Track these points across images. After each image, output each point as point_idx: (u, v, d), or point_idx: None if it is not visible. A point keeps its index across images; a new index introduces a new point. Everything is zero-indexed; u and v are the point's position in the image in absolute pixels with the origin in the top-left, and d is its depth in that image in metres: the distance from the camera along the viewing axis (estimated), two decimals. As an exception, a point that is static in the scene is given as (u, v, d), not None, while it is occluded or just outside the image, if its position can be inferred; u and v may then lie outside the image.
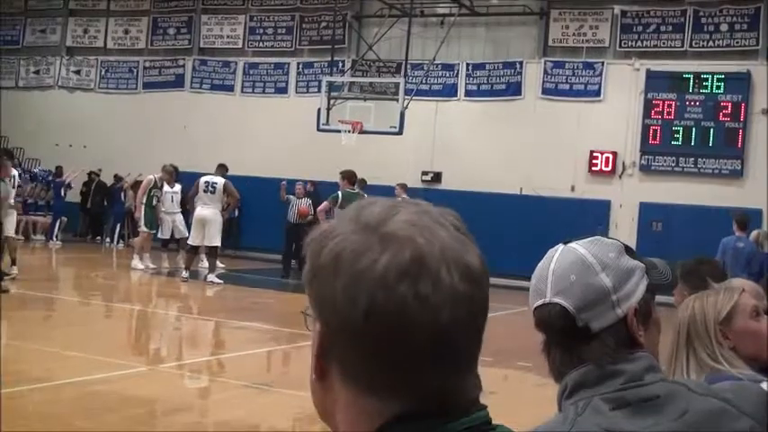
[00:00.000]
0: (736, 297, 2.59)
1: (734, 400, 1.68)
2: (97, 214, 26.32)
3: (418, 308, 1.01)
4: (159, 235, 19.83)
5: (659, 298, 1.86)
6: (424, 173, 23.21)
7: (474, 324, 1.07)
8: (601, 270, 1.71)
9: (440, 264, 1.03)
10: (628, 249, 1.80)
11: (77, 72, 28.33)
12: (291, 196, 20.68)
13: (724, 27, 20.99)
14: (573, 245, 1.78)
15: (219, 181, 18.13)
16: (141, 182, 20.51)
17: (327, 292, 1.05)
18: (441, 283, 1.02)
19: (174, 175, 19.55)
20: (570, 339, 1.72)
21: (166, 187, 19.35)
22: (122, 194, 24.42)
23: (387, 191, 19.69)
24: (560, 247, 1.79)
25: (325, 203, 15.60)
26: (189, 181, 22.33)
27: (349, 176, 15.48)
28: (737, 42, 20.86)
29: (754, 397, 1.74)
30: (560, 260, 1.75)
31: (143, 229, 19.24)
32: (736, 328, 2.53)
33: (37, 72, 28.94)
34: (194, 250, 18.26)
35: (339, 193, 15.27)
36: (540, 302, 1.75)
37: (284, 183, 20.75)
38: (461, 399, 1.07)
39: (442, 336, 1.03)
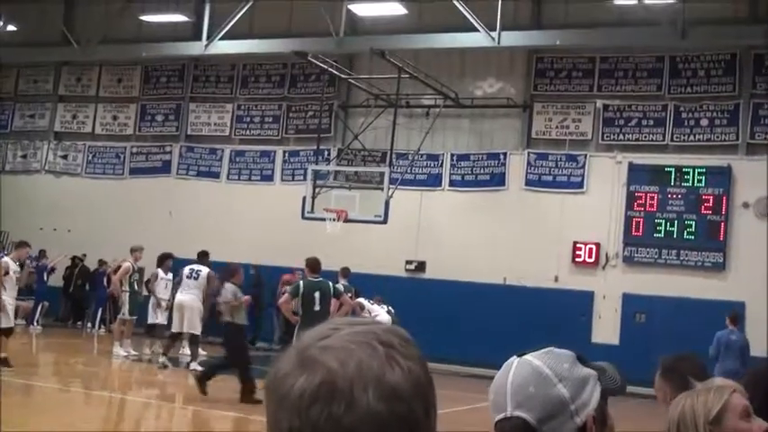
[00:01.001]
0: (726, 396, 2.56)
1: None
2: (79, 299, 26.14)
3: (331, 430, 1.03)
4: (150, 320, 19.64)
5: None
6: (408, 262, 23.24)
7: None
8: (558, 381, 1.73)
9: (354, 385, 1.04)
10: (579, 357, 1.82)
11: (64, 156, 28.46)
12: None
13: (704, 122, 21.36)
14: (527, 357, 1.79)
15: (204, 269, 18.13)
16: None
17: (268, 416, 1.09)
18: (355, 404, 1.03)
19: (169, 261, 19.45)
20: None
21: (161, 273, 19.26)
22: (105, 279, 24.30)
23: (371, 280, 19.70)
24: (515, 359, 1.81)
25: (285, 296, 14.92)
26: (173, 265, 22.29)
27: (312, 265, 14.83)
28: (718, 137, 21.22)
29: None
30: (517, 373, 1.76)
31: (125, 316, 19.07)
32: (725, 429, 2.50)
33: (24, 156, 29.06)
34: (174, 337, 18.10)
35: (300, 282, 14.78)
36: (500, 416, 1.75)
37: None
38: None
39: None
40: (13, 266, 15.34)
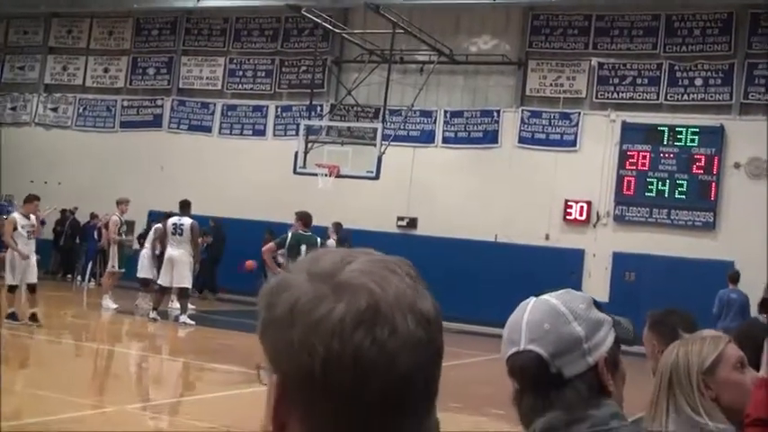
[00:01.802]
0: (721, 346, 2.55)
1: None
2: (69, 252, 26.11)
3: (375, 355, 1.02)
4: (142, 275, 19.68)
5: (631, 348, 1.89)
6: (400, 218, 23.24)
7: (431, 369, 1.07)
8: (573, 319, 1.77)
9: (395, 310, 1.04)
10: (596, 303, 1.86)
11: (55, 109, 28.27)
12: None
13: (698, 81, 21.29)
14: (545, 297, 1.84)
15: (186, 222, 18.01)
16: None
17: (284, 344, 1.05)
18: (397, 330, 1.03)
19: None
20: (543, 386, 1.76)
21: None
22: (96, 233, 24.26)
23: (362, 235, 19.70)
24: (532, 299, 1.85)
25: (270, 244, 15.46)
26: (155, 217, 22.28)
27: (304, 218, 15.07)
28: (711, 97, 21.16)
29: None
30: (533, 310, 1.80)
31: (114, 268, 19.09)
32: (718, 379, 2.49)
33: (14, 108, 28.85)
34: (164, 291, 18.12)
35: (289, 234, 14.93)
36: (513, 350, 1.80)
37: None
38: None
39: (401, 382, 1.03)
40: (22, 221, 15.19)
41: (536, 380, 1.76)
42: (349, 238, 18.86)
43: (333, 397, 1.03)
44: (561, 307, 1.79)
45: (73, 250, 26.03)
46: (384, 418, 1.03)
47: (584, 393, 1.74)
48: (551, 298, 1.82)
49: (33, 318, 14.80)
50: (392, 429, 1.04)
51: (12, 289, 15.11)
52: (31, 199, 15.90)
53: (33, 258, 15.44)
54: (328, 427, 1.05)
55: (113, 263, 19.11)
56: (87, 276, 24.77)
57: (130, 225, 21.74)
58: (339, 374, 1.02)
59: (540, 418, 1.75)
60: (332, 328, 1.02)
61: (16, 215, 15.73)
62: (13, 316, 14.75)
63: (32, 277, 15.30)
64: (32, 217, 15.61)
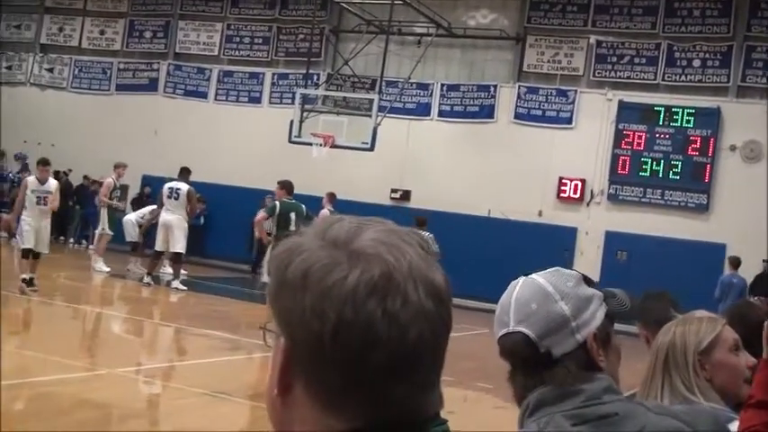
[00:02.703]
0: (718, 328, 2.57)
1: (690, 421, 1.72)
2: (62, 214, 26.03)
3: (386, 324, 1.02)
4: (128, 239, 19.71)
5: (622, 327, 1.91)
6: (394, 190, 23.25)
7: (438, 341, 1.07)
8: (560, 298, 1.79)
9: (408, 281, 1.04)
10: (587, 279, 1.88)
11: (50, 70, 28.12)
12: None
13: (696, 63, 21.26)
14: (533, 276, 1.86)
15: (183, 187, 17.98)
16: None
17: (294, 308, 1.05)
18: (409, 301, 1.03)
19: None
20: (533, 365, 1.78)
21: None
22: (96, 197, 24.13)
23: (355, 207, 19.69)
24: (521, 278, 1.86)
25: (261, 213, 15.99)
26: (155, 184, 22.27)
27: (287, 186, 15.25)
28: (709, 78, 21.14)
29: (708, 420, 1.78)
30: (521, 291, 1.83)
31: (107, 231, 19.06)
32: (714, 360, 2.51)
33: (9, 67, 28.69)
34: (158, 255, 18.14)
35: (276, 203, 15.10)
36: (503, 332, 1.82)
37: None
38: (423, 415, 1.07)
39: (409, 352, 1.04)
40: (34, 185, 14.77)
41: (526, 360, 1.78)
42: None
43: (340, 364, 1.03)
44: (548, 286, 1.80)
45: (66, 213, 25.97)
46: (389, 388, 1.04)
47: (574, 371, 1.76)
48: (539, 277, 1.83)
49: (30, 282, 14.45)
50: (398, 399, 1.05)
51: (25, 254, 14.62)
52: (41, 163, 15.38)
53: (45, 225, 14.94)
54: (333, 394, 1.05)
55: (104, 225, 19.08)
56: (77, 238, 24.78)
57: (124, 189, 21.71)
58: (348, 342, 1.02)
59: (532, 394, 1.77)
60: (345, 296, 1.03)
61: (30, 179, 15.37)
62: (31, 281, 14.38)
63: (42, 247, 14.90)
64: (51, 183, 15.10)
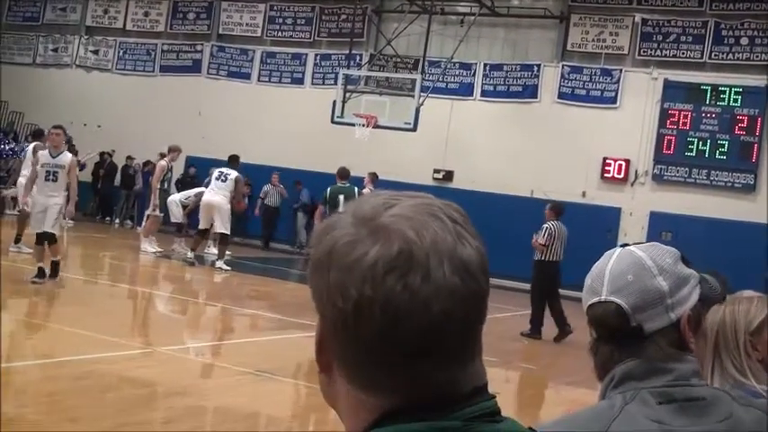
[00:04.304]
0: None
1: None
2: (108, 195, 26.37)
3: (407, 300, 1.01)
4: (173, 219, 19.92)
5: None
6: (436, 171, 23.20)
7: (468, 317, 1.05)
8: (658, 273, 1.75)
9: (430, 257, 1.03)
10: (684, 258, 1.84)
11: (95, 52, 28.39)
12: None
13: (744, 40, 20.91)
14: (631, 248, 1.81)
15: (232, 173, 18.24)
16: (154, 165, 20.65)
17: (322, 285, 1.06)
18: (431, 276, 1.02)
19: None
20: (622, 338, 1.75)
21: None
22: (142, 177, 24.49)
23: (398, 187, 19.43)
24: (618, 249, 1.83)
25: (320, 207, 16.57)
26: (199, 165, 22.44)
27: (340, 172, 16.62)
28: (757, 56, 20.78)
29: None
30: (618, 261, 1.78)
31: (157, 213, 19.28)
32: (766, 340, 2.44)
33: (55, 50, 29.00)
34: (202, 234, 18.31)
35: (328, 189, 15.97)
36: (594, 300, 1.78)
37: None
38: (459, 390, 1.06)
39: (433, 328, 1.02)
40: (45, 158, 12.88)
41: (615, 331, 1.75)
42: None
43: (364, 341, 1.03)
44: (647, 260, 1.76)
45: (111, 193, 26.28)
46: (416, 365, 1.03)
47: (666, 349, 1.73)
48: (638, 250, 1.79)
49: (53, 269, 12.61)
50: (426, 375, 1.04)
51: (38, 239, 12.77)
52: (53, 130, 13.22)
53: (54, 204, 12.73)
54: (363, 371, 1.05)
55: (155, 207, 19.26)
56: (122, 219, 25.13)
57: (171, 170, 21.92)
58: (370, 319, 1.02)
59: (619, 366, 1.74)
60: (364, 272, 1.02)
61: (43, 152, 13.17)
62: (40, 273, 12.52)
63: (46, 224, 12.62)
64: (65, 156, 13.00)
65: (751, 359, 2.41)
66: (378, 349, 1.03)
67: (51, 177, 12.78)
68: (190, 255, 17.84)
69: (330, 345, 1.08)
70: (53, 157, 12.83)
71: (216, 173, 18.34)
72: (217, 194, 17.93)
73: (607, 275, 1.76)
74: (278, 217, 24.23)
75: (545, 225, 14.23)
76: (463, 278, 1.04)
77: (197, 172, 23.39)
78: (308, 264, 1.10)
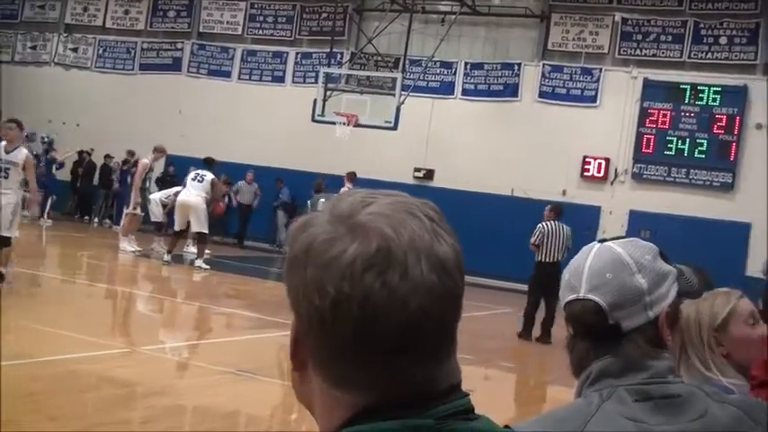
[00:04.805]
0: (732, 302, 2.50)
1: (747, 410, 1.71)
2: (86, 194, 26.23)
3: (385, 298, 1.01)
4: (153, 218, 19.81)
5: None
6: (417, 169, 23.21)
7: (445, 314, 1.06)
8: (637, 271, 1.74)
9: (408, 254, 1.03)
10: (662, 254, 1.83)
11: (74, 50, 28.23)
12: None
13: (723, 40, 21.03)
14: (609, 243, 1.79)
15: (208, 174, 18.22)
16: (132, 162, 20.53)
17: (299, 283, 1.06)
18: (409, 274, 1.02)
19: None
20: (599, 335, 1.74)
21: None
22: (129, 177, 24.16)
23: (378, 186, 19.57)
24: (596, 244, 1.81)
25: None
26: (179, 164, 22.35)
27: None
28: (736, 56, 20.91)
29: (760, 409, 1.76)
30: (597, 257, 1.76)
31: (137, 211, 19.17)
32: (731, 335, 2.45)
33: (34, 47, 28.82)
34: (178, 235, 18.25)
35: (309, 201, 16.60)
36: (572, 297, 1.76)
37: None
38: (436, 388, 1.06)
39: (410, 326, 1.02)
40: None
41: (592, 329, 1.73)
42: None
43: (341, 338, 1.03)
44: (626, 257, 1.74)
45: (90, 192, 26.14)
46: (393, 362, 1.03)
47: (643, 347, 1.72)
48: (616, 246, 1.77)
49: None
50: (403, 373, 1.04)
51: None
52: (6, 124, 12.23)
53: (5, 203, 11.58)
54: (339, 368, 1.05)
55: (135, 206, 19.16)
56: (100, 218, 25.04)
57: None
58: (347, 316, 1.02)
59: (595, 363, 1.73)
60: (342, 270, 1.02)
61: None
62: None
63: (4, 229, 11.58)
64: (19, 153, 11.89)
65: (715, 354, 2.43)
66: (355, 346, 1.03)
67: (2, 174, 11.74)
68: (166, 257, 17.77)
69: (305, 343, 1.07)
70: (6, 153, 11.82)
71: (192, 173, 18.34)
72: (192, 195, 17.90)
73: (586, 272, 1.75)
74: (251, 214, 24.18)
75: (538, 225, 14.17)
76: (440, 276, 1.04)
77: (176, 170, 23.30)
78: (285, 261, 1.10)
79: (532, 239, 13.89)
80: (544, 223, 14.08)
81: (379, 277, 1.01)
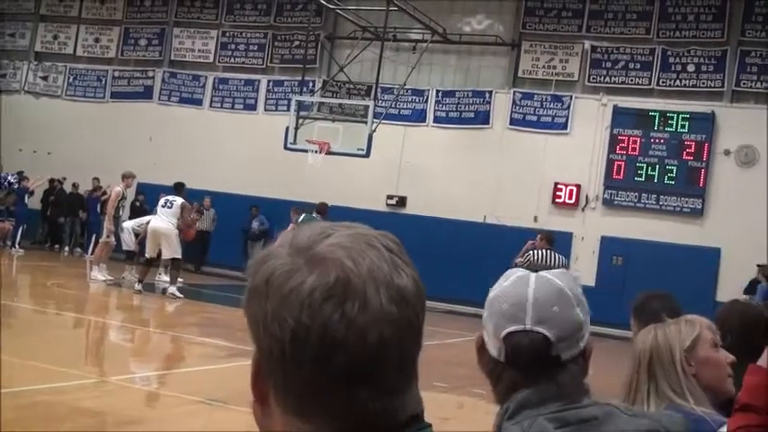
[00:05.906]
0: (698, 328, 2.60)
1: (662, 421, 1.72)
2: (57, 223, 26.00)
3: (344, 329, 1.02)
4: (125, 247, 19.65)
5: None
6: (389, 197, 23.24)
7: (405, 345, 1.06)
8: (576, 304, 1.75)
9: (367, 285, 1.03)
10: None
11: (45, 78, 28.11)
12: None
13: (691, 67, 21.30)
14: (546, 275, 1.78)
15: (178, 199, 18.12)
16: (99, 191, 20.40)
17: (259, 314, 1.06)
18: (368, 305, 1.03)
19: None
20: (537, 367, 1.73)
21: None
22: (99, 206, 23.88)
23: (351, 213, 19.70)
24: (531, 275, 1.79)
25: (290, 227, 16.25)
26: (151, 192, 22.23)
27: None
28: (703, 83, 21.17)
29: (679, 422, 1.77)
30: (538, 289, 1.75)
31: (111, 240, 18.99)
32: (699, 357, 2.54)
33: (3, 75, 28.66)
34: (149, 263, 18.11)
35: (303, 215, 16.32)
36: (516, 328, 1.74)
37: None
38: (396, 419, 1.06)
39: (370, 357, 1.03)
40: None
41: (535, 361, 1.73)
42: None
43: (301, 369, 1.03)
44: (567, 290, 1.75)
45: (61, 221, 25.92)
46: (353, 392, 1.03)
47: (576, 376, 1.74)
48: (555, 278, 1.77)
49: None
50: (363, 403, 1.04)
51: None
52: None
53: None
54: (299, 400, 1.05)
55: (108, 234, 18.98)
56: (72, 248, 24.84)
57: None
58: (307, 347, 1.02)
59: (514, 396, 1.73)
60: (301, 301, 1.02)
61: None
62: None
63: None
64: None
65: (687, 376, 2.48)
66: (315, 377, 1.03)
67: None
68: (138, 285, 17.60)
69: (267, 374, 1.08)
70: None
71: (162, 200, 18.23)
72: (164, 221, 17.80)
73: (530, 303, 1.74)
74: (209, 241, 23.87)
75: (530, 251, 14.06)
76: (399, 306, 1.05)
77: (146, 198, 23.13)
78: (245, 293, 1.10)
79: (519, 259, 13.64)
80: (534, 251, 13.98)
81: (339, 308, 1.02)
